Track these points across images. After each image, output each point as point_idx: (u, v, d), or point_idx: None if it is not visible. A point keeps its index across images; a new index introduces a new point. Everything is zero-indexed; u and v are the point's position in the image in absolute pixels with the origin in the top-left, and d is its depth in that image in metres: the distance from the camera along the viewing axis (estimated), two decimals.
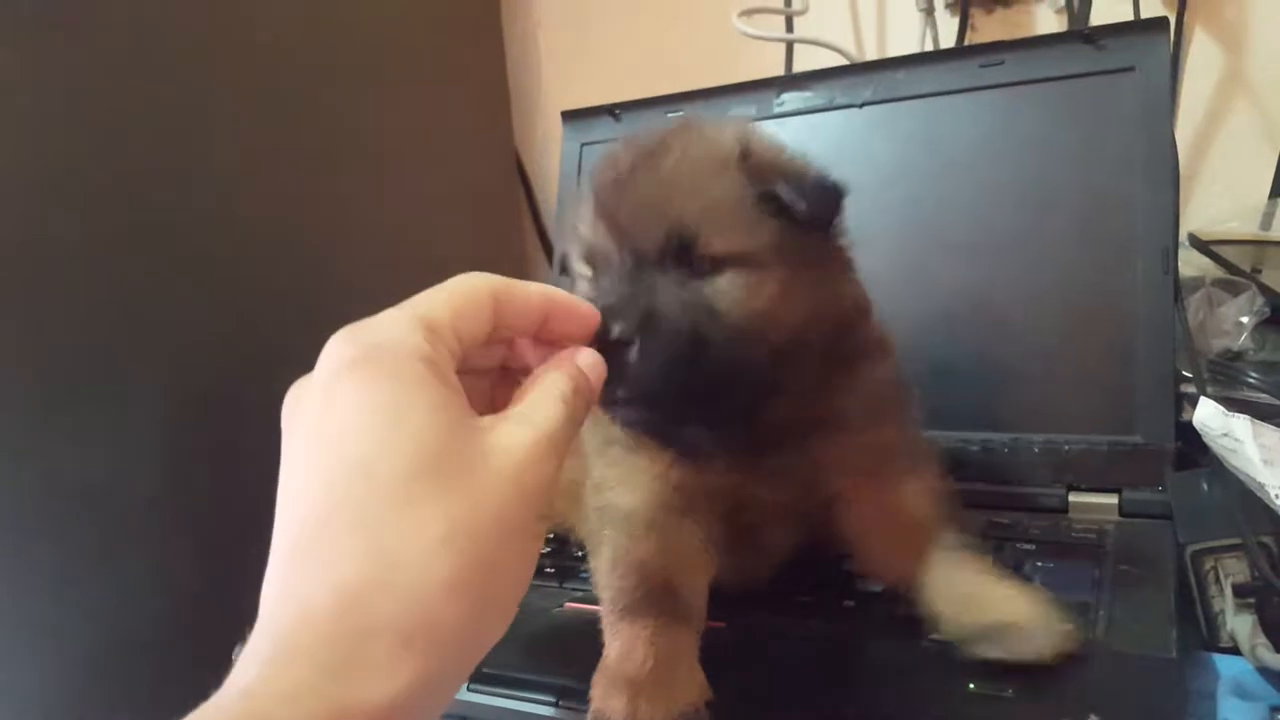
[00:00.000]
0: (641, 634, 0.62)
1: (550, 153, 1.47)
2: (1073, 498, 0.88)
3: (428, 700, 0.39)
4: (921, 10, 1.23)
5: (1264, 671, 0.66)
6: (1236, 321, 0.96)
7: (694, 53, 1.40)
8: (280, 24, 1.03)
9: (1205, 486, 0.78)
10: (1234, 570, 0.70)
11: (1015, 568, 0.76)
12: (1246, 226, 1.03)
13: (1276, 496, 0.65)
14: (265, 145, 1.00)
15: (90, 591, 0.83)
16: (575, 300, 0.53)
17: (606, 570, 0.67)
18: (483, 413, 0.45)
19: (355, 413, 0.41)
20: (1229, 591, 0.69)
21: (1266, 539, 0.68)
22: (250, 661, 0.37)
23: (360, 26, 1.15)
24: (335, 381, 0.43)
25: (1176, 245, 0.90)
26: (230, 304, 0.96)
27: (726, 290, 0.59)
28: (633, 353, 0.56)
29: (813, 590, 0.74)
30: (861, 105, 1.03)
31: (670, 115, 1.13)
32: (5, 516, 0.77)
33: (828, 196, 0.63)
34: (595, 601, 0.76)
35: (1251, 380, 0.89)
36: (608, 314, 0.56)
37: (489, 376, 0.54)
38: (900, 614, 0.68)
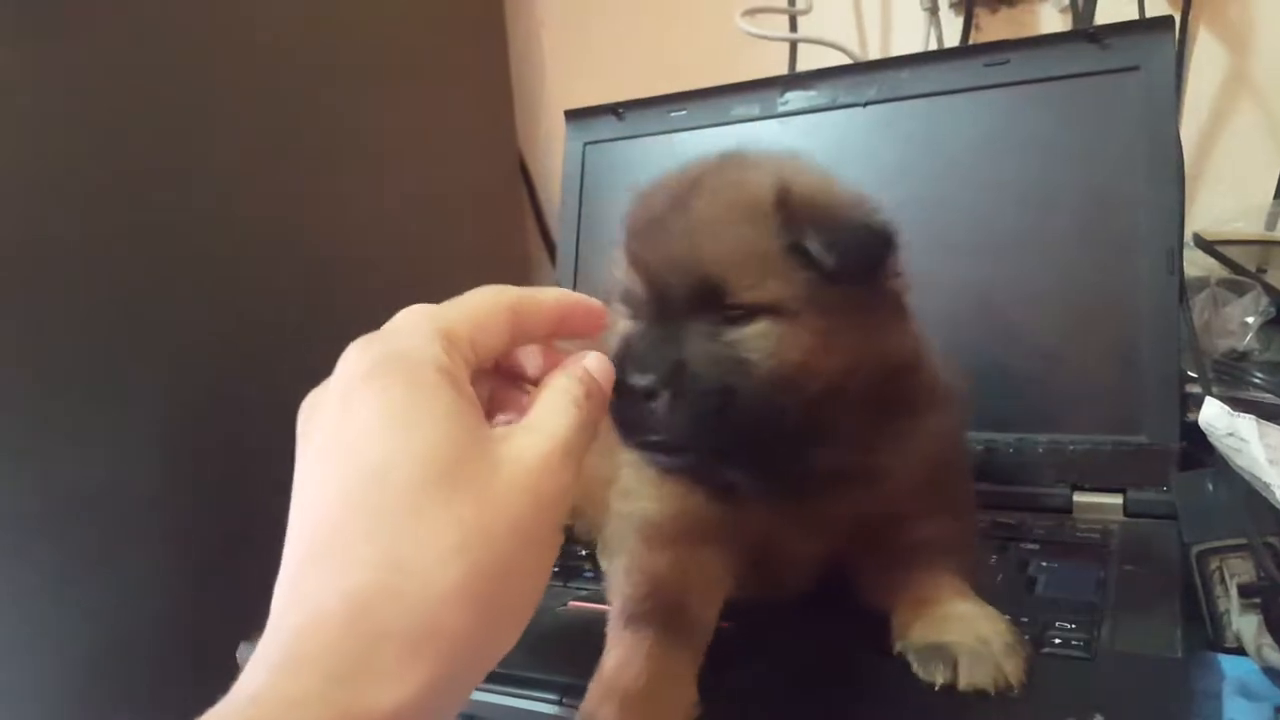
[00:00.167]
0: (641, 645, 0.61)
1: (553, 152, 1.47)
2: (1077, 498, 0.88)
3: (436, 708, 0.39)
4: (926, 9, 1.23)
5: (1269, 671, 0.66)
6: (1241, 321, 0.96)
7: (697, 52, 1.40)
8: (282, 24, 1.03)
9: (1210, 486, 0.78)
10: (1239, 570, 0.69)
11: (1020, 568, 0.76)
12: (1251, 226, 1.03)
13: None
14: (267, 145, 1.00)
15: (90, 592, 0.83)
16: (586, 300, 0.53)
17: (620, 576, 0.66)
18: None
19: (371, 420, 0.41)
20: (1234, 591, 0.69)
21: (1272, 539, 0.68)
22: (259, 665, 0.37)
23: (362, 26, 1.15)
24: (352, 389, 0.43)
25: (1181, 245, 0.89)
26: (231, 304, 0.95)
27: (756, 341, 0.58)
28: (660, 404, 0.55)
29: (816, 589, 0.73)
30: (865, 105, 1.03)
31: (673, 114, 1.13)
32: (5, 517, 0.77)
33: (865, 245, 0.60)
34: (599, 600, 0.76)
35: (1257, 380, 0.89)
36: (635, 362, 0.56)
37: (488, 381, 0.54)
38: None
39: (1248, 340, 0.95)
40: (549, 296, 0.51)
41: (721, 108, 1.11)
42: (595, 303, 0.53)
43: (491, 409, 0.49)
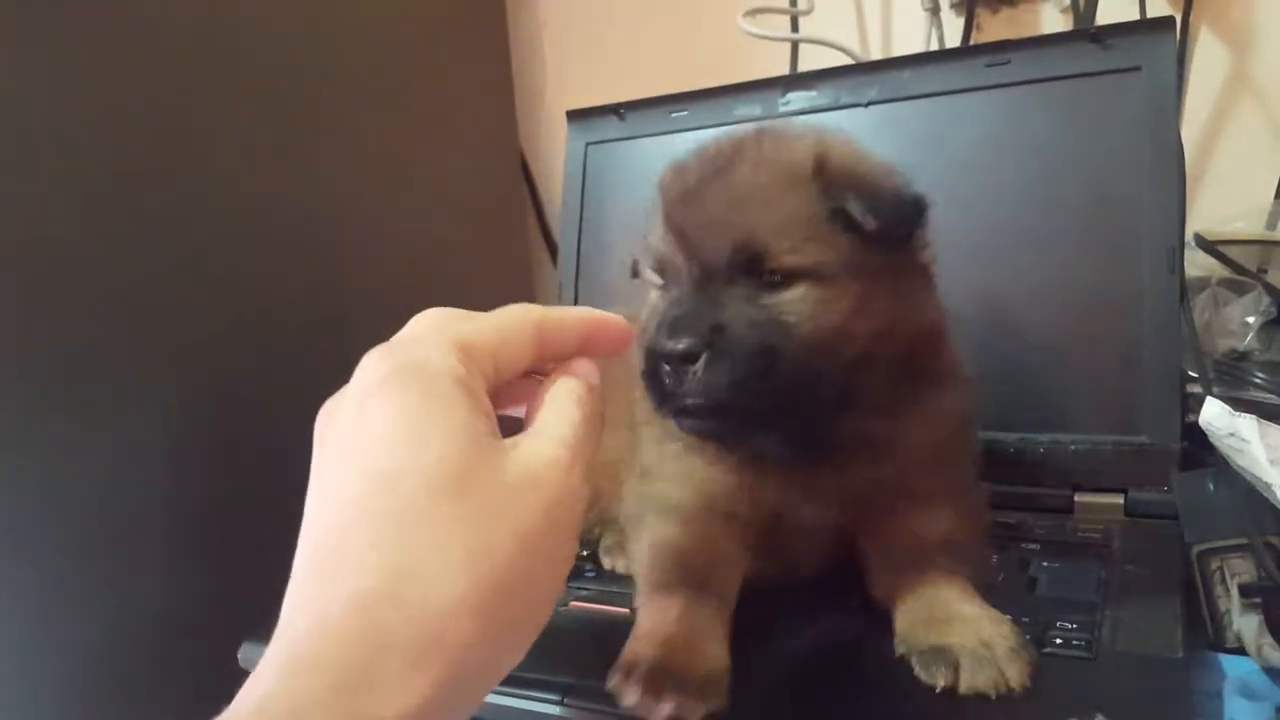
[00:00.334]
0: (673, 606, 0.63)
1: (555, 153, 1.47)
2: (1078, 498, 0.89)
3: (442, 719, 0.39)
4: (927, 10, 1.23)
5: (1270, 671, 0.66)
6: (1242, 321, 0.96)
7: (699, 52, 1.40)
8: (284, 25, 1.03)
9: (1211, 486, 0.78)
10: (1240, 570, 0.70)
11: (1021, 567, 0.76)
12: (1253, 226, 1.03)
13: None
14: (268, 146, 1.00)
15: (92, 592, 0.83)
16: (610, 318, 0.52)
17: (645, 552, 0.69)
18: None
19: (385, 427, 0.41)
20: (1235, 591, 0.69)
21: (1273, 539, 0.68)
22: (268, 669, 0.37)
23: (364, 27, 1.15)
24: (368, 396, 0.43)
25: (1182, 245, 0.89)
26: (233, 303, 0.96)
27: (797, 304, 0.59)
28: (699, 366, 0.56)
29: (819, 589, 0.74)
30: (867, 105, 1.03)
31: (675, 115, 1.13)
32: (6, 517, 0.77)
33: (903, 211, 0.62)
34: (601, 600, 0.76)
35: (1258, 380, 0.89)
36: (674, 327, 0.57)
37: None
38: None
39: (1248, 340, 0.95)
40: (574, 315, 0.51)
41: (723, 108, 1.11)
42: (621, 322, 0.53)
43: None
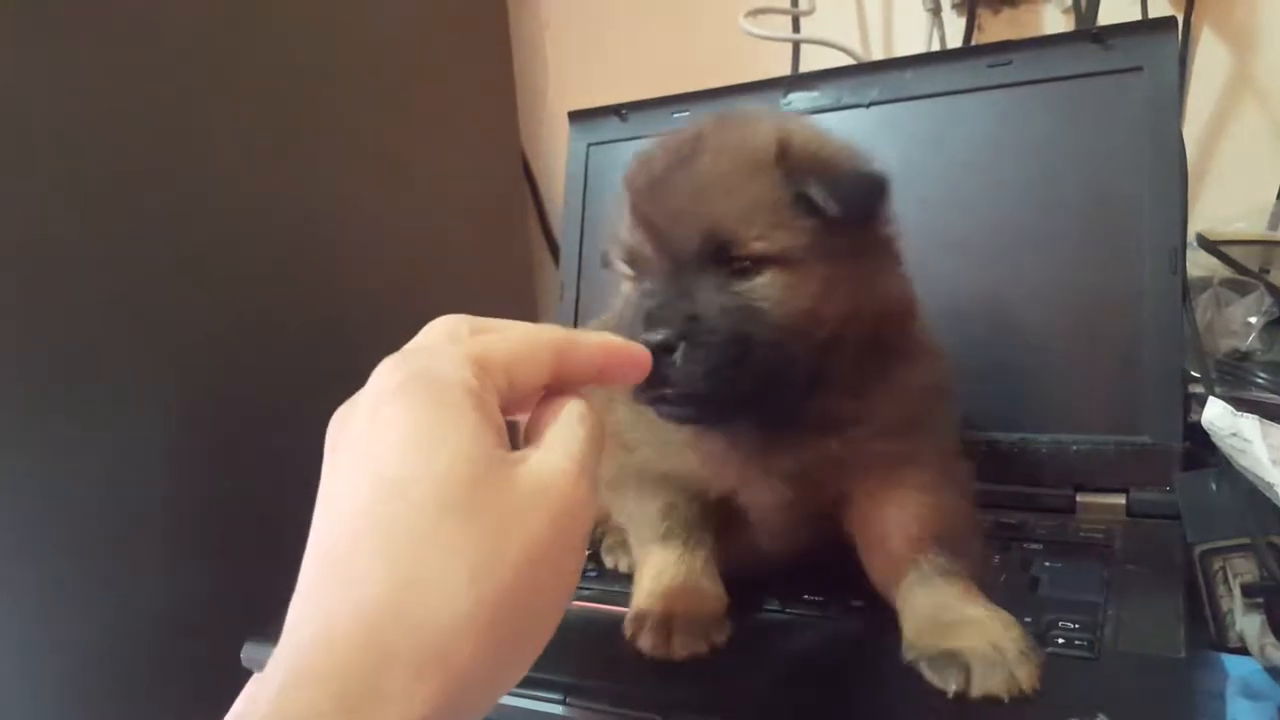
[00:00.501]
0: (671, 554, 0.70)
1: (557, 153, 1.47)
2: (1080, 498, 0.88)
3: None
4: (928, 10, 1.23)
5: (1273, 671, 0.66)
6: (1245, 321, 0.96)
7: (701, 53, 1.40)
8: (285, 25, 1.03)
9: (1213, 486, 0.78)
10: (1242, 570, 0.70)
11: (1023, 567, 0.76)
12: (1255, 226, 1.03)
13: None
14: (270, 146, 1.00)
15: (94, 592, 0.83)
16: (630, 346, 0.52)
17: (635, 506, 0.74)
18: None
19: (395, 436, 0.41)
20: (1237, 591, 0.69)
21: (1275, 539, 0.68)
22: (273, 677, 0.37)
23: (366, 27, 1.15)
24: (381, 405, 0.43)
25: (1184, 245, 0.89)
26: (234, 304, 0.96)
27: (766, 290, 0.60)
28: (677, 357, 0.57)
29: (822, 588, 0.74)
30: (869, 105, 1.03)
31: (677, 115, 1.13)
32: (6, 519, 0.77)
33: (863, 192, 0.63)
34: (602, 600, 0.76)
35: (1260, 380, 0.89)
36: (649, 320, 0.58)
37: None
38: None
39: (1250, 340, 0.95)
40: (595, 341, 0.51)
41: (725, 109, 1.11)
42: (640, 350, 0.53)
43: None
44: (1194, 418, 0.84)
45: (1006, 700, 0.56)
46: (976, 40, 1.23)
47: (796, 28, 1.31)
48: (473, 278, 1.30)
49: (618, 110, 1.19)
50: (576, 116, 1.23)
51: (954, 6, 1.24)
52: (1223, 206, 1.08)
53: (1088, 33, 0.95)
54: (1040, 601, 0.70)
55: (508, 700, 0.62)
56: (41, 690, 0.80)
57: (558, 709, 0.63)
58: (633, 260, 0.64)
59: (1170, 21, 0.91)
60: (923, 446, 0.69)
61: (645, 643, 0.65)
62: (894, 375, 0.67)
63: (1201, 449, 0.83)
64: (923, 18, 1.25)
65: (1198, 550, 0.72)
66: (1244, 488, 0.73)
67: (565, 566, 0.44)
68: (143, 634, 0.86)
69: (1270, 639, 0.66)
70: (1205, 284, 0.99)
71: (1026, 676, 0.57)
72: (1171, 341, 0.88)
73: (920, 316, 0.71)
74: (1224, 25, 1.13)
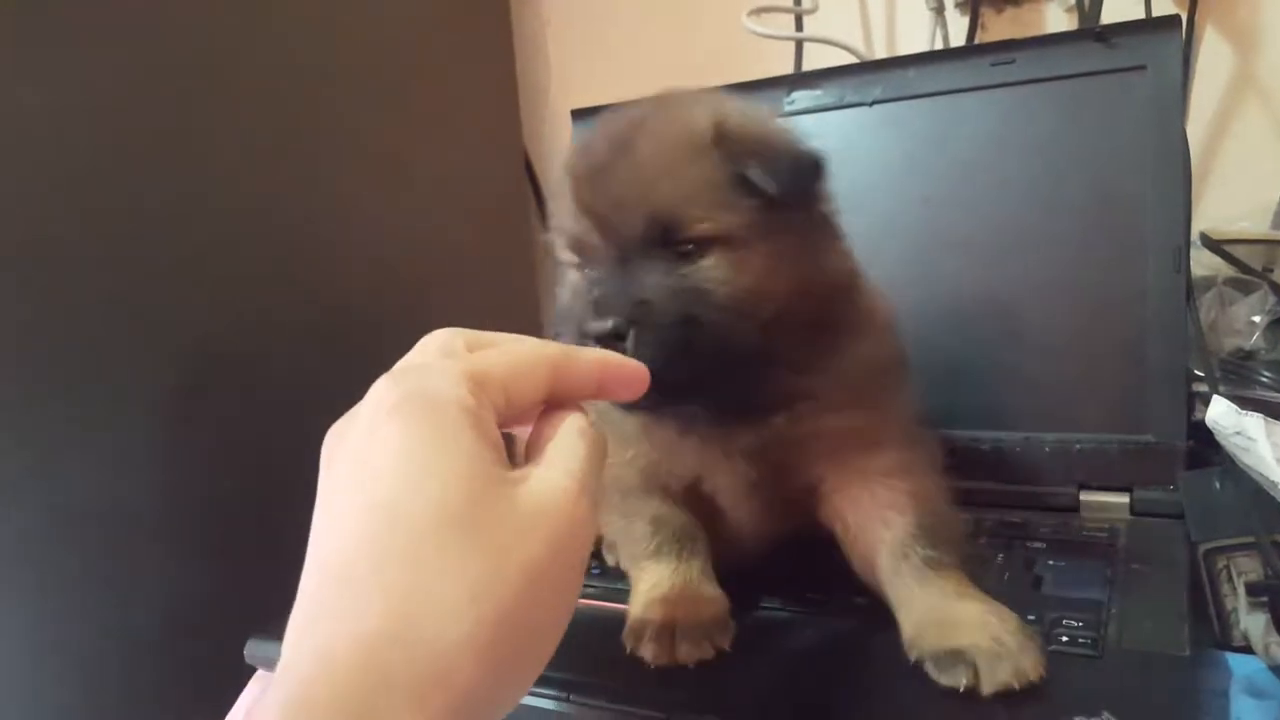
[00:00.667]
0: (666, 567, 0.69)
1: (559, 151, 1.47)
2: (1084, 496, 0.89)
3: None
4: (931, 9, 1.23)
5: (1277, 670, 0.66)
6: (1248, 320, 0.96)
7: (703, 51, 1.40)
8: (287, 25, 1.03)
9: (1218, 485, 0.78)
10: (1247, 569, 0.70)
11: (1027, 566, 0.76)
12: (1258, 225, 1.03)
13: None
14: (271, 145, 1.00)
15: (96, 594, 0.83)
16: (627, 363, 0.52)
17: (621, 523, 0.73)
18: None
19: (390, 458, 0.41)
20: (1242, 590, 0.69)
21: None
22: (274, 698, 0.37)
23: (368, 26, 1.15)
24: (376, 424, 0.42)
25: (1188, 244, 0.89)
26: (235, 304, 0.95)
27: (712, 271, 0.61)
28: (628, 344, 0.57)
29: (823, 586, 0.74)
30: (872, 104, 1.03)
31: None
32: (7, 522, 0.77)
33: (801, 171, 0.63)
34: (604, 598, 0.76)
35: (1264, 379, 0.89)
36: (599, 308, 0.59)
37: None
38: None
39: (1254, 339, 0.95)
40: (591, 357, 0.50)
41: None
42: (638, 368, 0.52)
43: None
44: (1198, 416, 0.84)
45: (1018, 688, 0.56)
46: (979, 39, 1.22)
47: (799, 26, 1.31)
48: (475, 276, 1.30)
49: None
50: (579, 115, 1.22)
51: (957, 5, 1.24)
52: (1226, 205, 1.08)
53: (1091, 31, 0.95)
54: (1044, 600, 0.70)
55: None
56: (43, 690, 0.80)
57: (561, 706, 0.63)
58: (578, 248, 0.65)
59: (1174, 20, 0.90)
60: (884, 425, 0.70)
61: (648, 652, 0.63)
62: (842, 349, 0.68)
63: (1205, 448, 0.83)
64: (926, 16, 1.25)
65: (1202, 549, 0.72)
66: (1248, 486, 0.73)
67: (566, 585, 0.43)
68: (144, 633, 0.86)
69: (1275, 637, 0.66)
70: (1209, 283, 0.99)
71: (1032, 666, 0.57)
72: (1175, 340, 0.88)
73: (865, 289, 0.71)
74: (1227, 24, 1.12)
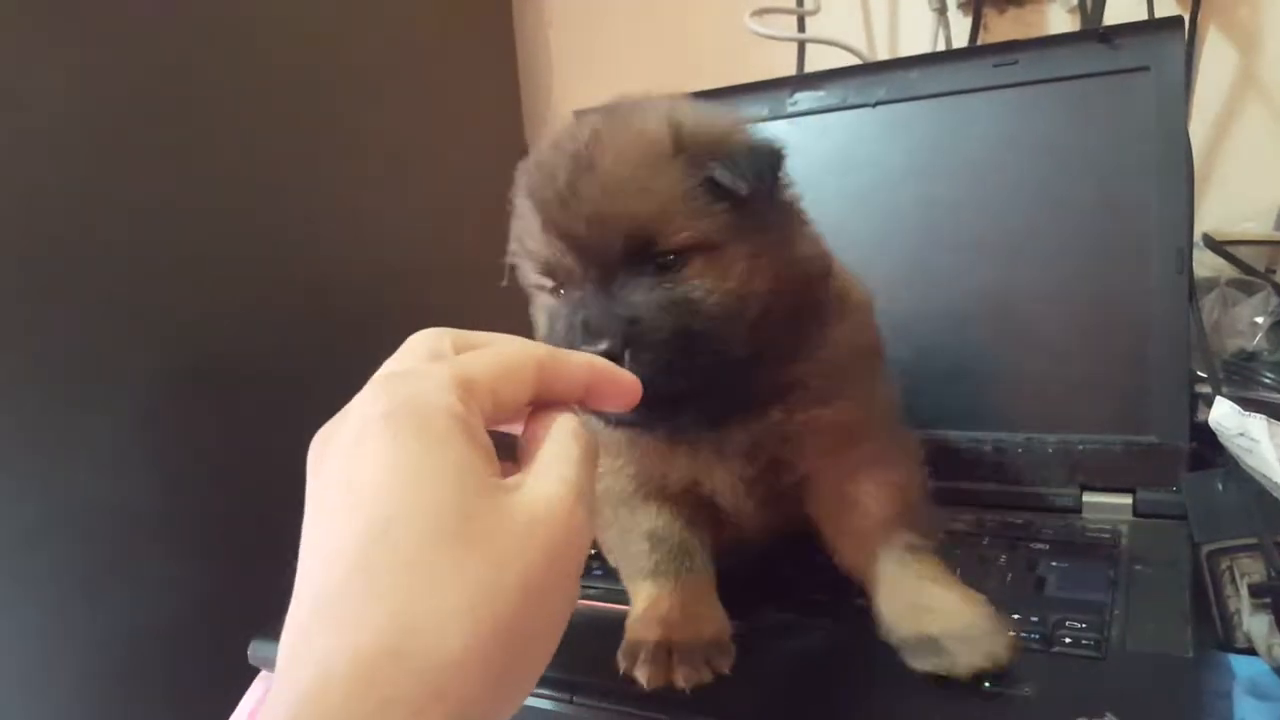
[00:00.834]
0: (664, 587, 0.68)
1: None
2: (1086, 498, 0.89)
3: None
4: (934, 10, 1.23)
5: None
6: (1251, 321, 0.96)
7: (706, 52, 1.40)
8: (289, 24, 1.03)
9: (1220, 486, 0.78)
10: (1250, 570, 0.69)
11: (1029, 567, 0.76)
12: (1261, 227, 1.03)
13: None
14: (272, 145, 1.00)
15: (97, 596, 0.83)
16: (617, 371, 0.51)
17: (618, 541, 0.72)
18: None
19: (379, 470, 0.40)
20: (1245, 591, 0.68)
21: None
22: (273, 713, 0.36)
23: (370, 25, 1.15)
24: (364, 434, 0.41)
25: (1191, 245, 0.89)
26: (239, 305, 0.96)
27: (696, 279, 0.61)
28: (625, 365, 0.56)
29: (824, 588, 0.74)
30: (875, 105, 1.03)
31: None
32: (6, 524, 0.77)
33: (764, 166, 0.63)
34: (607, 599, 0.76)
35: (1267, 380, 0.89)
36: (588, 330, 0.58)
37: None
38: None
39: (1257, 340, 0.95)
40: (579, 360, 0.49)
41: (730, 109, 1.11)
42: (631, 380, 0.51)
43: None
44: (1201, 418, 0.84)
45: (990, 670, 0.58)
46: (982, 40, 1.22)
47: (802, 27, 1.31)
48: (477, 276, 1.29)
49: None
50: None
51: (959, 6, 1.24)
52: (1229, 206, 1.08)
53: (1094, 32, 0.95)
54: (1047, 601, 0.70)
55: None
56: (45, 690, 0.80)
57: (563, 707, 0.63)
58: (551, 271, 0.64)
59: (1177, 21, 0.90)
60: (868, 416, 0.70)
61: (643, 674, 0.62)
62: (824, 335, 0.68)
63: (1208, 449, 0.83)
64: (928, 17, 1.25)
65: (1205, 550, 0.72)
66: (1251, 487, 0.73)
67: (563, 593, 0.43)
68: (146, 633, 0.86)
69: (1278, 639, 0.66)
70: (1212, 284, 0.99)
71: (1004, 650, 0.58)
72: (1178, 341, 0.87)
73: (838, 273, 0.71)
74: (1229, 25, 1.12)
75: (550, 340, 0.62)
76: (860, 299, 0.73)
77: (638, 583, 0.70)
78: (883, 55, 1.32)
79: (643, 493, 0.72)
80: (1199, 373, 0.89)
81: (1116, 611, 0.67)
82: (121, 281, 0.86)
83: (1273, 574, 0.67)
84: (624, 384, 0.51)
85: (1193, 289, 0.89)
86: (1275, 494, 0.69)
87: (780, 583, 0.73)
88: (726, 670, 0.63)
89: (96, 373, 0.83)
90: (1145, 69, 0.91)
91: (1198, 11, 1.11)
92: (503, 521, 0.40)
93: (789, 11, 1.29)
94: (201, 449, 0.92)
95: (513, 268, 0.70)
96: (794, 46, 1.31)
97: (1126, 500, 0.87)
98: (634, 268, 0.60)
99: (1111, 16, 1.09)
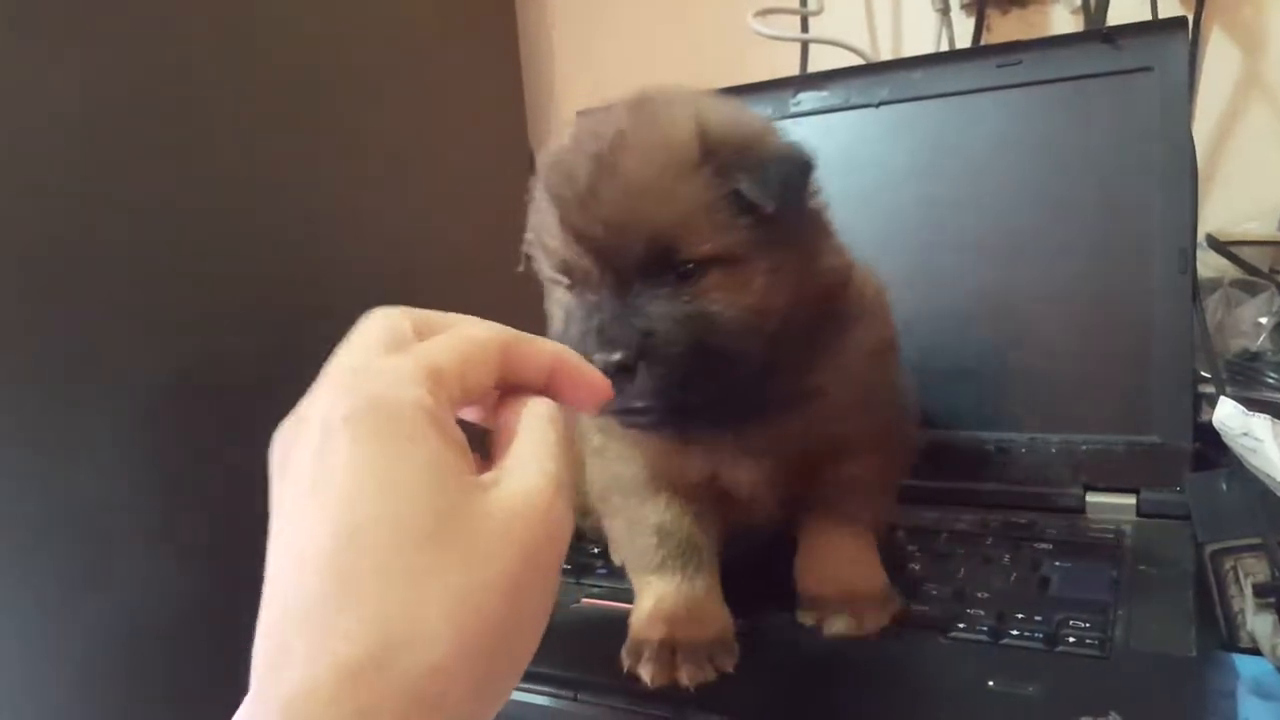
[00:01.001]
0: (670, 583, 0.68)
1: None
2: (1090, 498, 0.89)
3: None
4: (937, 10, 1.23)
5: None
6: (1255, 322, 0.96)
7: (709, 52, 1.40)
8: (291, 24, 1.03)
9: (1224, 486, 0.78)
10: (1254, 570, 0.69)
11: (1033, 567, 0.76)
12: (1265, 227, 1.02)
13: None
14: (274, 144, 1.00)
15: (98, 594, 0.83)
16: (584, 366, 0.49)
17: (625, 532, 0.72)
18: None
19: (351, 475, 0.39)
20: (1249, 591, 0.69)
21: None
22: None
23: (373, 25, 1.15)
24: (331, 435, 0.40)
25: (1194, 245, 0.89)
26: (240, 305, 0.95)
27: (715, 293, 0.59)
28: (637, 377, 0.56)
29: None
30: (878, 105, 1.03)
31: None
32: (11, 520, 0.77)
33: (793, 179, 0.62)
34: (612, 598, 0.76)
35: (1270, 380, 0.89)
36: (602, 338, 0.57)
37: None
38: (917, 612, 0.69)
39: (1261, 341, 0.95)
40: (545, 349, 0.47)
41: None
42: (594, 373, 0.50)
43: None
44: (1204, 418, 0.84)
45: (847, 635, 0.66)
46: (985, 40, 1.22)
47: (805, 27, 1.31)
48: (480, 277, 1.29)
49: None
50: (584, 115, 1.22)
51: (963, 7, 1.24)
52: (1232, 207, 1.08)
53: (1097, 33, 0.95)
54: (1051, 601, 0.70)
55: (520, 696, 0.63)
56: (44, 690, 0.80)
57: (568, 705, 0.63)
58: (567, 271, 0.63)
59: (1180, 21, 0.90)
60: (875, 421, 0.71)
61: (646, 672, 0.62)
62: (842, 341, 0.67)
63: (1212, 449, 0.84)
64: (931, 18, 1.25)
65: (1209, 550, 0.72)
66: (1255, 488, 0.73)
67: (545, 588, 0.42)
68: (147, 633, 0.86)
69: None
70: (1215, 284, 0.99)
71: (873, 620, 0.67)
72: (1182, 341, 0.88)
73: (857, 276, 0.70)
74: (1233, 25, 1.12)
75: (563, 341, 0.61)
76: (875, 295, 0.72)
77: (643, 578, 0.70)
78: (886, 55, 1.31)
79: (655, 483, 0.71)
80: (1202, 373, 0.89)
81: (1120, 611, 0.67)
82: (121, 281, 0.85)
83: (1277, 574, 0.67)
84: (591, 382, 0.49)
85: (1196, 289, 0.89)
86: (1279, 494, 0.69)
87: (783, 581, 0.73)
88: (730, 669, 0.63)
89: (96, 373, 0.83)
90: (1149, 69, 0.91)
91: (1201, 12, 1.11)
92: (481, 520, 0.39)
93: (792, 12, 1.29)
94: (201, 449, 0.92)
95: (528, 256, 0.69)
96: (797, 47, 1.31)
97: (1130, 500, 0.87)
98: (652, 275, 0.59)
99: (1115, 17, 1.09)
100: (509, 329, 0.46)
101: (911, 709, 0.59)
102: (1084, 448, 0.90)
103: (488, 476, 0.42)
